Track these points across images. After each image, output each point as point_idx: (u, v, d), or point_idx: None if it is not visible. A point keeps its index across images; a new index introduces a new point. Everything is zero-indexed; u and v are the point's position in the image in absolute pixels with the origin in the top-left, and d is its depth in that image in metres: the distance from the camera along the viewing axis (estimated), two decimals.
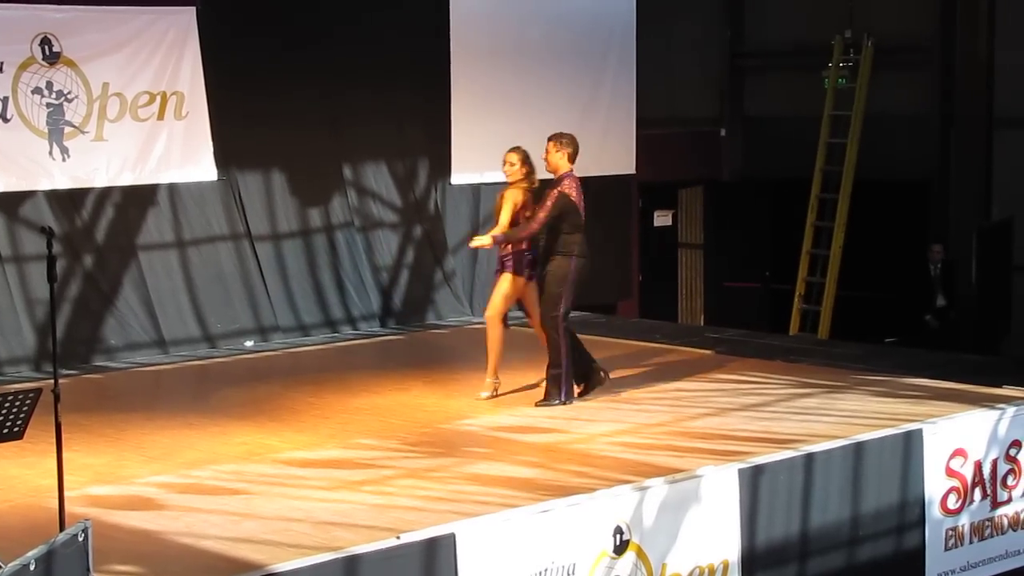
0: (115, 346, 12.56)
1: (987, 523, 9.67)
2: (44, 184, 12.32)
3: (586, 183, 15.58)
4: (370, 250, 14.23)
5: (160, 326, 12.79)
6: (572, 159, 10.59)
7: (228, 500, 8.04)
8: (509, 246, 10.51)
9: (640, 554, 7.90)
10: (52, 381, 6.94)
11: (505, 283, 10.59)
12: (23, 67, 12.07)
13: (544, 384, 10.45)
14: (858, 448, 8.96)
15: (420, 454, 9.11)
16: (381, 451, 9.22)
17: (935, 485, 9.29)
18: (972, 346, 14.51)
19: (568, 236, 10.43)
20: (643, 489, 7.99)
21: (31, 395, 6.75)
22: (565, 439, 9.38)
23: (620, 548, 7.81)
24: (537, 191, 10.65)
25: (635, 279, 17.39)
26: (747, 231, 18.59)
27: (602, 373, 10.66)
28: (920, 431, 9.26)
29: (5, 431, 6.73)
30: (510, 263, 10.58)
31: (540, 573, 7.50)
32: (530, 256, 10.58)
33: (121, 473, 8.72)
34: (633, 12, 16.03)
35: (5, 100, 11.99)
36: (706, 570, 8.22)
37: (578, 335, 10.76)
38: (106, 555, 6.71)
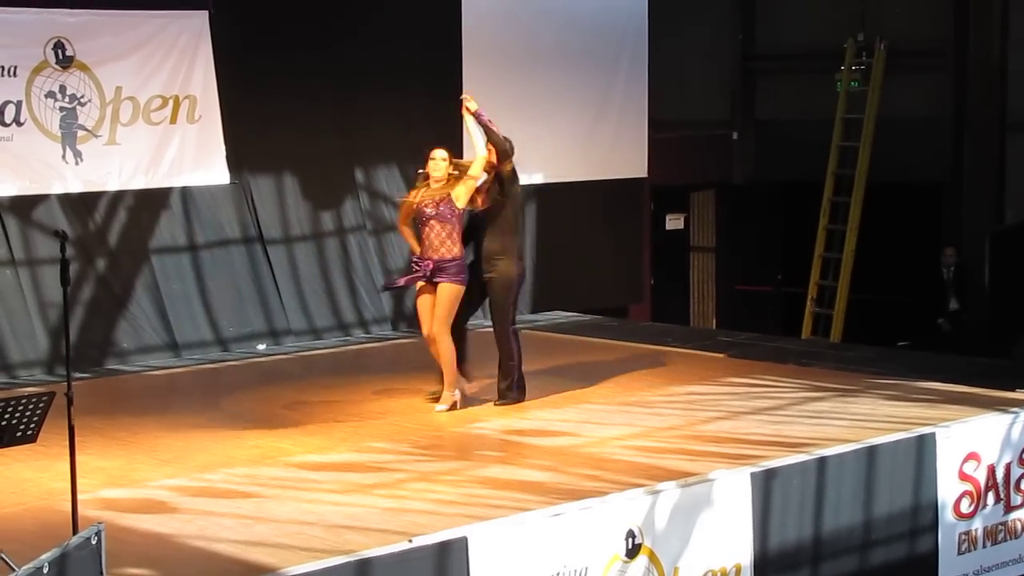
0: (128, 349, 12.58)
1: (1000, 527, 9.65)
2: (57, 188, 12.35)
3: (598, 186, 15.75)
4: (382, 253, 14.24)
5: (172, 329, 12.80)
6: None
7: (240, 503, 8.04)
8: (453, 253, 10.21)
9: (652, 558, 7.90)
10: (65, 384, 6.94)
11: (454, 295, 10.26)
12: (36, 71, 12.10)
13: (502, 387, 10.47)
14: (871, 452, 8.95)
15: (432, 457, 9.11)
16: (393, 454, 9.22)
17: (948, 489, 9.28)
18: (985, 350, 14.47)
19: (515, 237, 10.36)
20: (655, 493, 7.99)
21: (44, 398, 6.76)
22: (577, 443, 9.38)
23: (632, 552, 7.81)
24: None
25: (647, 282, 17.37)
26: (759, 234, 18.57)
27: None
28: (933, 435, 9.24)
29: (19, 434, 6.75)
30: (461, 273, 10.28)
31: None
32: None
33: (134, 476, 8.73)
34: (645, 15, 16.04)
35: (19, 104, 12.02)
36: (718, 574, 8.21)
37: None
38: (119, 558, 6.72)
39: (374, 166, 14.24)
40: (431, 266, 10.17)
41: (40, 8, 12.09)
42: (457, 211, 10.20)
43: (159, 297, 12.80)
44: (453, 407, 10.30)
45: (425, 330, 10.35)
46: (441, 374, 10.39)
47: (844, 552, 8.81)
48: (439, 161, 10.23)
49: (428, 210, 10.16)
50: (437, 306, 10.17)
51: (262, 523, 7.61)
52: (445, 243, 10.17)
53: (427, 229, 10.18)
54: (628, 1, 15.94)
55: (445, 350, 10.22)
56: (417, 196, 10.27)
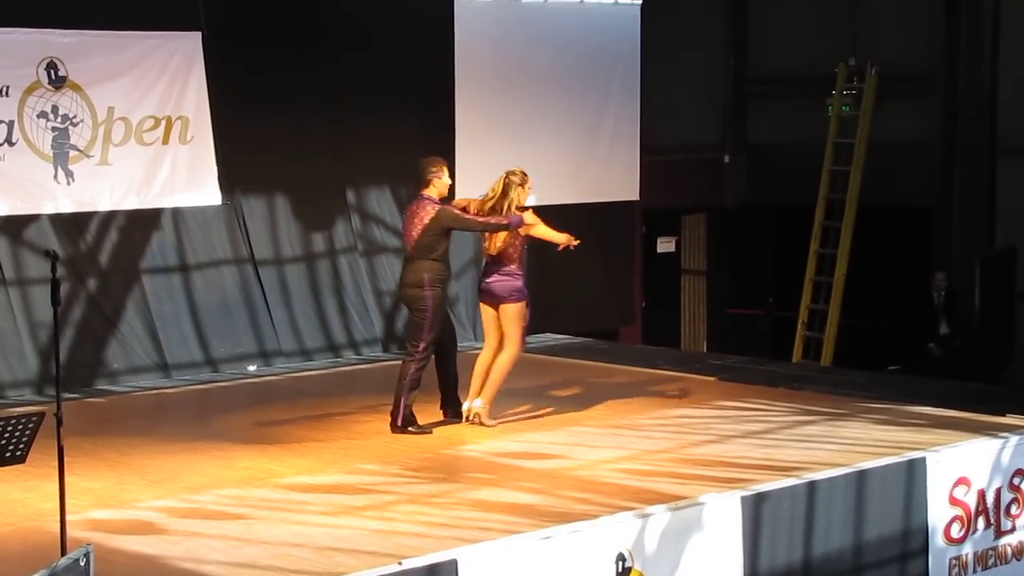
0: (118, 370, 12.56)
1: (991, 552, 9.65)
2: (48, 208, 12.33)
3: (590, 209, 15.76)
4: (373, 275, 14.24)
5: (163, 350, 12.79)
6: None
7: (230, 525, 8.03)
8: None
9: None
10: (55, 405, 6.93)
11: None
12: (29, 91, 12.09)
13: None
14: (861, 476, 8.94)
15: (422, 479, 9.10)
16: (383, 476, 9.21)
17: (938, 514, 9.27)
18: (975, 374, 14.48)
19: (444, 262, 10.44)
20: (645, 516, 7.98)
21: (34, 419, 6.74)
22: (567, 465, 9.37)
23: (622, 575, 7.79)
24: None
25: (638, 305, 17.39)
26: (750, 258, 18.59)
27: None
28: (923, 459, 9.24)
29: (7, 455, 6.72)
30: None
31: None
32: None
33: (123, 497, 8.72)
34: (637, 39, 16.06)
35: (11, 124, 12.01)
36: None
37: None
38: None
39: (366, 187, 14.26)
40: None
41: (33, 28, 12.09)
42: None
43: (149, 318, 12.79)
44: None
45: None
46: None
47: None
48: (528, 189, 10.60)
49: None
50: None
51: (251, 545, 7.60)
52: None
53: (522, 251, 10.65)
54: (620, 24, 15.97)
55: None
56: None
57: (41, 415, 6.80)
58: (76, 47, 12.31)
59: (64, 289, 11.79)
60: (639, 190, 16.33)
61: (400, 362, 10.53)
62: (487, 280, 10.54)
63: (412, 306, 10.33)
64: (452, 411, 10.66)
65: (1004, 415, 10.44)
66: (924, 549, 9.22)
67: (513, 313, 10.49)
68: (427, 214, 10.23)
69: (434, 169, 10.39)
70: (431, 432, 10.34)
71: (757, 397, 11.66)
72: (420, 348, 10.26)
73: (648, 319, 17.83)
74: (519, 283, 10.53)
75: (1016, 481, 9.72)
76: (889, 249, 17.27)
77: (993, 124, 16.64)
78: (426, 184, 10.37)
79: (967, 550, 9.48)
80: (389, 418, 10.54)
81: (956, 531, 9.39)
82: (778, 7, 18.53)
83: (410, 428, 10.29)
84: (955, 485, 9.36)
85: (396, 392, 10.34)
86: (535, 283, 15.24)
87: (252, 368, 13.19)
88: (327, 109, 13.84)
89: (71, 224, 12.50)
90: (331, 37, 13.83)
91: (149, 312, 12.80)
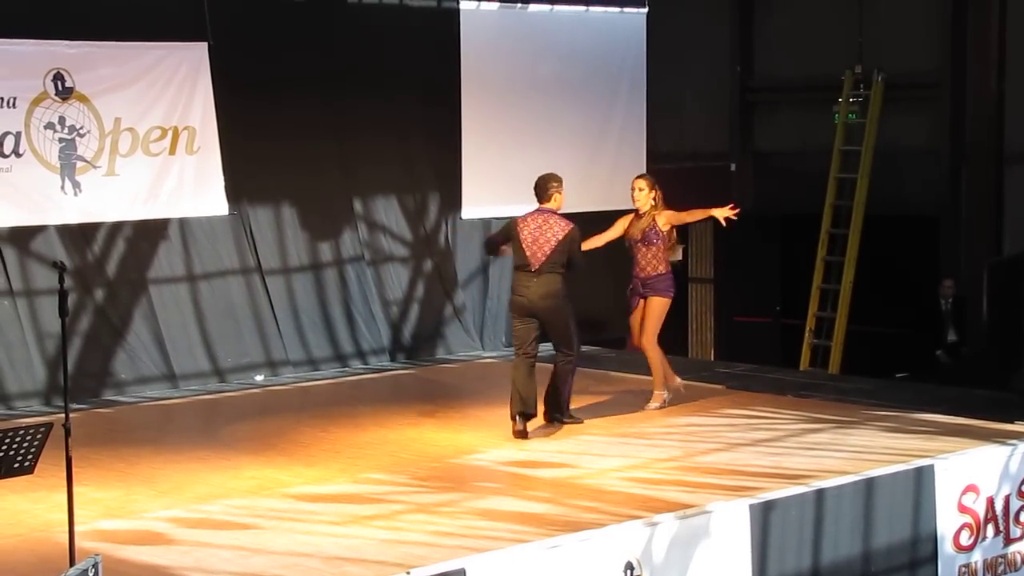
0: (125, 380, 12.57)
1: (1000, 560, 9.62)
2: (56, 219, 12.35)
3: (596, 217, 15.73)
4: (380, 284, 14.24)
5: (170, 360, 12.80)
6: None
7: (238, 535, 8.03)
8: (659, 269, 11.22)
9: None
10: (63, 415, 6.94)
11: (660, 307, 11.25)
12: (36, 102, 12.12)
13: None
14: (869, 484, 8.93)
15: (430, 489, 9.09)
16: (391, 486, 9.20)
17: (947, 521, 9.25)
18: (984, 381, 14.44)
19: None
20: (653, 524, 7.97)
21: (42, 429, 6.75)
22: (575, 474, 9.36)
23: None
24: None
25: None
26: (757, 266, 18.59)
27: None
28: (932, 467, 9.22)
29: (16, 465, 6.73)
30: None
31: None
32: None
33: (131, 507, 8.72)
34: (643, 47, 16.07)
35: (18, 135, 12.03)
36: None
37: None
38: None
39: (372, 197, 14.25)
40: (639, 284, 11.31)
41: (40, 40, 12.11)
42: (662, 234, 11.25)
43: (157, 328, 12.79)
44: (663, 405, 11.41)
45: (635, 340, 11.56)
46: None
47: None
48: (637, 192, 11.35)
49: (635, 234, 11.31)
50: (647, 318, 11.30)
51: (260, 555, 7.59)
52: (651, 263, 11.24)
53: (635, 251, 11.36)
54: (627, 33, 15.98)
55: (654, 356, 11.39)
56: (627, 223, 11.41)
57: (49, 426, 6.81)
58: (83, 58, 12.34)
59: (72, 300, 11.78)
60: None
61: (554, 364, 10.89)
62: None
63: (552, 317, 10.66)
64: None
65: (1013, 422, 10.42)
66: (933, 557, 9.20)
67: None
68: (560, 229, 10.62)
69: (555, 184, 10.77)
70: (583, 421, 10.90)
71: (765, 405, 11.65)
72: (576, 353, 10.80)
73: None
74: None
75: None
76: (896, 256, 17.26)
77: (1000, 131, 16.64)
78: (548, 198, 10.76)
79: (976, 558, 9.46)
80: (398, 427, 10.52)
81: (965, 539, 9.37)
82: (784, 14, 18.53)
83: (566, 419, 10.83)
84: (964, 492, 9.34)
85: (558, 388, 10.77)
86: None
87: (259, 378, 13.19)
88: (333, 118, 13.84)
89: (78, 235, 12.51)
90: (337, 47, 13.84)
91: (156, 322, 12.81)
